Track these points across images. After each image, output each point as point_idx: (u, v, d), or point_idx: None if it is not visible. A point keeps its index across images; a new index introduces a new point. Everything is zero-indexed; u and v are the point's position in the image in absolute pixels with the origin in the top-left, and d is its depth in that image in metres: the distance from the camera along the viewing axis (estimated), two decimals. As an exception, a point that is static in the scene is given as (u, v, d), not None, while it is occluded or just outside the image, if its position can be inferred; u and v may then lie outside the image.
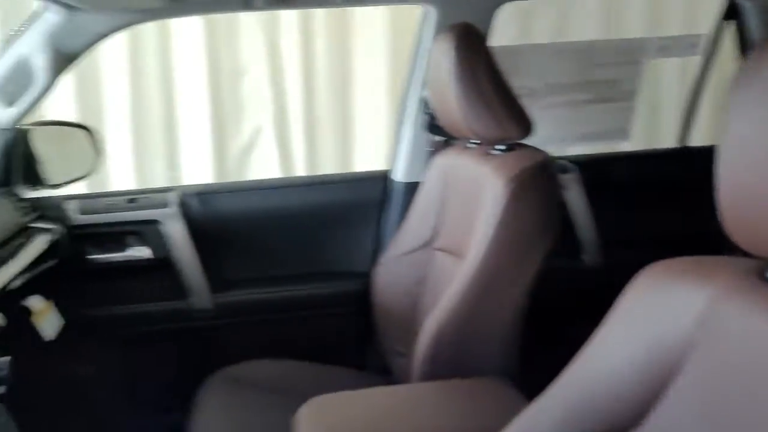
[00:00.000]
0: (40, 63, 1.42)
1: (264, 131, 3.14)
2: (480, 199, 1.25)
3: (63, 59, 1.46)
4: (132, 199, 1.67)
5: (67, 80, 2.89)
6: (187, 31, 3.07)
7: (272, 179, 2.21)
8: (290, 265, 1.79)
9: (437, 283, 1.43)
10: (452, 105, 1.30)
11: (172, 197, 1.66)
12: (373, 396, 1.19)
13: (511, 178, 1.19)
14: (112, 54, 2.97)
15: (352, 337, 1.77)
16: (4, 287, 1.26)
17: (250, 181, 2.29)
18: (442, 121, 1.43)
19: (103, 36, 1.48)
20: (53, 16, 1.40)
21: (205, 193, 1.72)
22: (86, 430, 1.52)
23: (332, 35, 3.22)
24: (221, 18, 3.04)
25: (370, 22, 3.16)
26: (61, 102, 2.91)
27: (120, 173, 3.02)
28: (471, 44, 1.28)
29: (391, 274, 1.60)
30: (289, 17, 3.25)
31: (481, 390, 1.19)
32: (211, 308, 1.71)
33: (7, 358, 1.04)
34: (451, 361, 1.24)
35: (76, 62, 1.51)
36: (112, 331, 1.65)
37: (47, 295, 1.44)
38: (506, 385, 1.19)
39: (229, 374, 1.52)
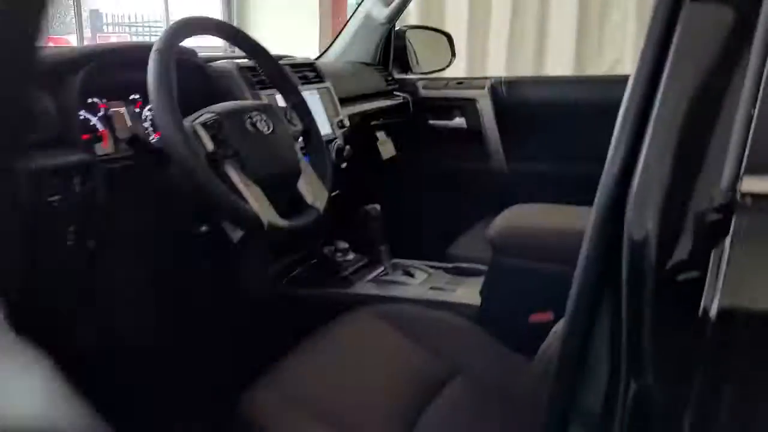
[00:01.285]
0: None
1: (623, 64, 3.38)
2: None
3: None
4: (460, 82, 2.25)
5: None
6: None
7: (571, 76, 2.53)
8: (577, 147, 2.14)
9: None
10: None
11: (486, 83, 2.19)
12: (569, 211, 1.49)
13: None
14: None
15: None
16: (363, 116, 1.97)
17: (550, 76, 2.65)
18: None
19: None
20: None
21: (512, 82, 2.19)
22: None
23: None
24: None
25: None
26: (455, 14, 3.63)
27: (495, 67, 3.61)
28: None
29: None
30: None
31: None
32: (507, 173, 2.20)
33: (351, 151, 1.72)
34: None
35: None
36: (430, 172, 2.29)
37: (388, 135, 2.14)
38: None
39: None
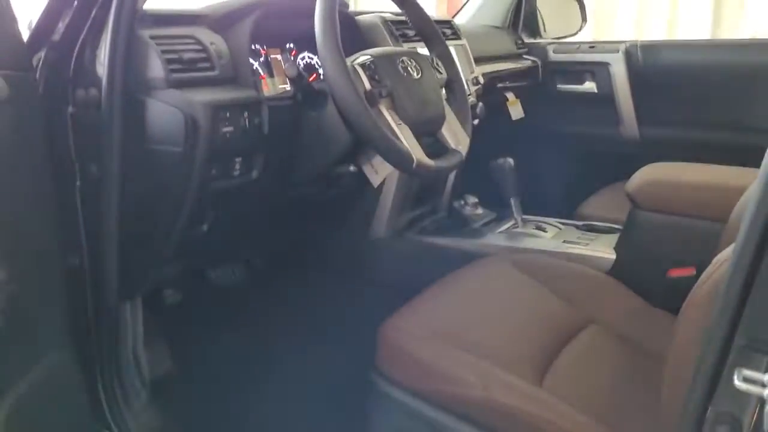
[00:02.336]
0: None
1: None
2: None
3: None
4: (592, 45, 2.21)
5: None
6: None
7: (712, 39, 2.41)
8: (714, 113, 2.05)
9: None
10: None
11: (621, 47, 2.13)
12: (713, 168, 1.43)
13: None
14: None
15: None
16: (493, 77, 1.98)
17: (689, 40, 2.54)
18: None
19: None
20: None
21: (647, 46, 2.12)
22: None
23: None
24: None
25: None
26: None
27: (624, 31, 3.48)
28: None
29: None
30: None
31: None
32: (638, 138, 2.15)
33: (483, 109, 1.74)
34: None
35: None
36: (558, 135, 2.27)
37: (516, 95, 2.14)
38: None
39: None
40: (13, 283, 0.86)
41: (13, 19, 0.92)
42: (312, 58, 1.43)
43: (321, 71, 1.43)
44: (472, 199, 1.73)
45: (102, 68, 1.04)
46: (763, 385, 0.60)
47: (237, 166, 1.16)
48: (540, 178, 2.13)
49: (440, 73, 1.32)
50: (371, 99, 1.12)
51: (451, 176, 1.78)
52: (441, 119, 1.27)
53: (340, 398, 1.23)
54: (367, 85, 1.12)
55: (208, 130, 1.06)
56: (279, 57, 1.36)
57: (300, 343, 1.46)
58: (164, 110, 1.05)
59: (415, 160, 1.13)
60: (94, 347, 1.16)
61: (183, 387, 1.39)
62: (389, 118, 1.14)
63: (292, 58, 1.39)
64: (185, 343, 1.42)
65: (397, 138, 1.13)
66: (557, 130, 2.27)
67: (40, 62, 1.06)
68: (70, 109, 1.06)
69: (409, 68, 1.21)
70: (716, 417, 0.68)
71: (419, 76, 1.22)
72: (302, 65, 1.41)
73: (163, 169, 1.08)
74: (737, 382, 0.62)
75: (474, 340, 1.09)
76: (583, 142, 2.25)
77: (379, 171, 1.32)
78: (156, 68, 1.05)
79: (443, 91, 1.34)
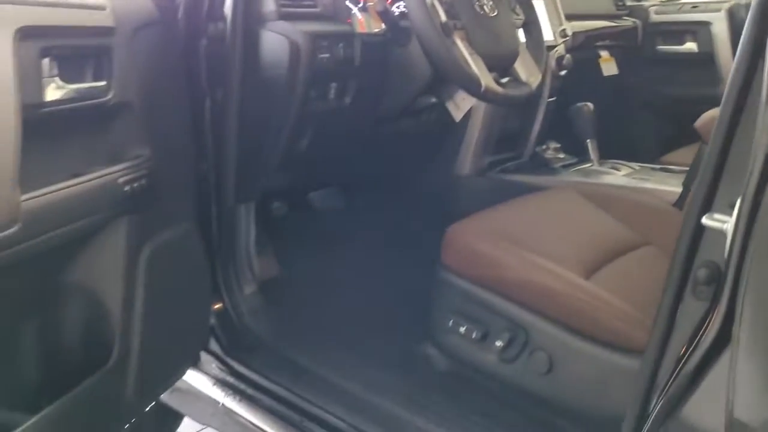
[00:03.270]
0: None
1: None
2: None
3: None
4: (695, 5, 2.22)
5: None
6: None
7: None
8: None
9: None
10: None
11: (724, 6, 2.13)
12: None
13: None
14: None
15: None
16: (588, 36, 2.07)
17: None
18: None
19: None
20: None
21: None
22: None
23: None
24: None
25: None
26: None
27: None
28: None
29: None
30: None
31: None
32: None
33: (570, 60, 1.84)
34: None
35: None
36: (651, 94, 2.30)
37: (612, 53, 2.21)
38: None
39: None
40: (155, 160, 1.12)
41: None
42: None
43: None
44: (554, 144, 1.84)
45: (228, 5, 1.29)
46: (723, 222, 0.72)
47: (332, 91, 1.38)
48: (629, 134, 2.19)
49: (517, 15, 1.46)
50: (446, 30, 1.28)
51: (536, 124, 1.90)
52: (514, 55, 1.41)
53: (414, 290, 1.41)
54: (443, 17, 1.29)
55: (308, 55, 1.28)
56: (376, 2, 1.56)
57: (386, 256, 1.66)
58: (273, 38, 1.29)
59: (483, 85, 1.28)
60: (215, 239, 1.42)
61: (287, 289, 1.63)
62: (462, 48, 1.30)
63: (389, 4, 1.58)
64: (288, 251, 1.67)
65: (468, 65, 1.29)
66: (652, 90, 2.31)
67: (182, 1, 1.33)
68: (204, 42, 1.32)
69: (485, 7, 1.36)
70: (698, 265, 0.80)
71: (495, 14, 1.37)
72: (397, 13, 1.60)
73: (272, 89, 1.32)
74: (704, 220, 0.75)
75: (527, 239, 1.24)
76: (679, 102, 2.27)
77: (461, 106, 1.48)
78: (269, 3, 1.29)
79: (521, 32, 1.48)
